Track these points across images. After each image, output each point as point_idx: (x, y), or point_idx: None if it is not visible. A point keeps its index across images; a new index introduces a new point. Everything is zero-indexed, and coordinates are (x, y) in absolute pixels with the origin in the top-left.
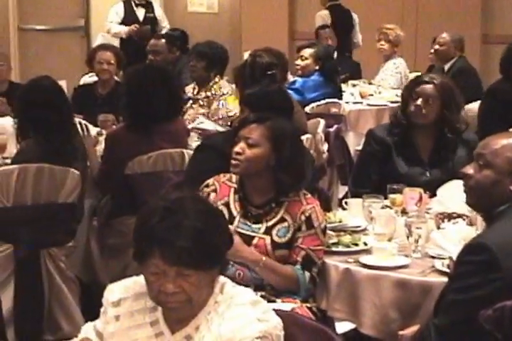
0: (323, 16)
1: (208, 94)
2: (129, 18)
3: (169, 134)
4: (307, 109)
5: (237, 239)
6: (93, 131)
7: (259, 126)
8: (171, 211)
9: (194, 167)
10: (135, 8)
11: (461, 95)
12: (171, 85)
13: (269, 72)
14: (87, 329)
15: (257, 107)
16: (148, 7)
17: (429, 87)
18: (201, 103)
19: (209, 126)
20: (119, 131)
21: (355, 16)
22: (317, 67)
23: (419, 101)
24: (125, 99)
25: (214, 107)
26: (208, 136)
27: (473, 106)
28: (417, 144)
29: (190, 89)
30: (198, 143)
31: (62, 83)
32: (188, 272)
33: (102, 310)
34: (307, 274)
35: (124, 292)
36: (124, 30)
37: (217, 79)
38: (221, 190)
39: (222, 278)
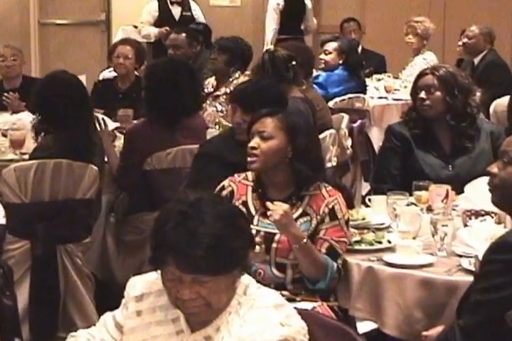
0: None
1: (228, 90)
2: (164, 18)
3: (190, 130)
4: (330, 103)
5: (288, 209)
6: (112, 126)
7: (271, 118)
8: (186, 216)
9: (193, 175)
10: (170, 7)
11: (491, 88)
12: (194, 79)
13: (290, 64)
14: (106, 318)
15: (250, 103)
16: (185, 5)
17: (428, 77)
18: (221, 100)
19: None
20: (140, 126)
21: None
22: (341, 61)
23: (422, 94)
24: (147, 93)
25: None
26: (204, 142)
27: (503, 101)
28: (437, 136)
29: (209, 84)
30: None
31: (82, 78)
32: (205, 279)
33: (123, 301)
34: (334, 264)
35: (147, 287)
36: (154, 32)
37: (237, 75)
38: (238, 190)
39: (246, 279)
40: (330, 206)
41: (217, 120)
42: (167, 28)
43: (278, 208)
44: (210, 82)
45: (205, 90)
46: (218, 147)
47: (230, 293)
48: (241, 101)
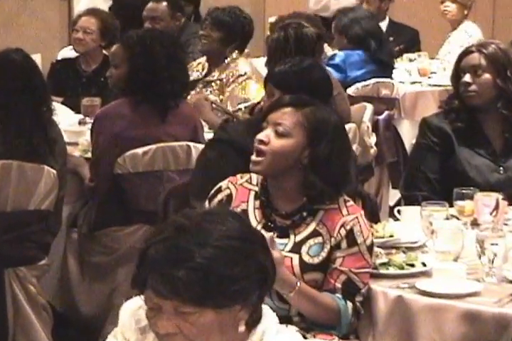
0: None
1: (223, 75)
2: None
3: (178, 116)
4: (350, 90)
5: (277, 254)
6: (75, 118)
7: (294, 110)
8: (181, 230)
9: (203, 170)
10: None
11: None
12: (180, 54)
13: (317, 46)
14: None
15: (290, 88)
16: None
17: (473, 56)
18: (214, 87)
19: None
20: (114, 108)
21: None
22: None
23: (466, 77)
24: (124, 69)
25: (229, 90)
26: (223, 127)
27: None
28: (485, 131)
29: (197, 66)
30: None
31: (37, 57)
32: (188, 309)
33: (116, 335)
34: (350, 305)
35: None
36: None
37: (235, 56)
38: (238, 196)
39: (262, 325)
40: (347, 227)
41: None
42: None
43: None
44: (200, 64)
45: (194, 74)
46: (241, 134)
47: (228, 338)
48: (281, 83)
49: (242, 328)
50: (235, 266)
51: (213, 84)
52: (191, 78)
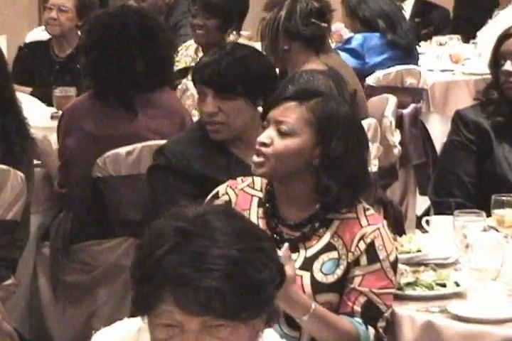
0: None
1: None
2: None
3: (161, 109)
4: (370, 80)
5: (289, 270)
6: (46, 112)
7: (298, 104)
8: (188, 234)
9: (151, 199)
10: None
11: None
12: (154, 35)
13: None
14: None
15: (224, 85)
16: None
17: None
18: None
19: None
20: (83, 102)
21: None
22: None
23: (507, 65)
24: (88, 56)
25: None
26: (159, 149)
27: None
28: None
29: (188, 50)
30: None
31: (1, 39)
32: (218, 323)
33: None
34: (371, 331)
35: None
36: None
37: (233, 37)
38: (238, 202)
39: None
40: (367, 240)
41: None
42: None
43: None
44: (191, 46)
45: (184, 60)
46: (181, 156)
47: None
48: (211, 80)
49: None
50: (263, 269)
51: None
52: (181, 65)
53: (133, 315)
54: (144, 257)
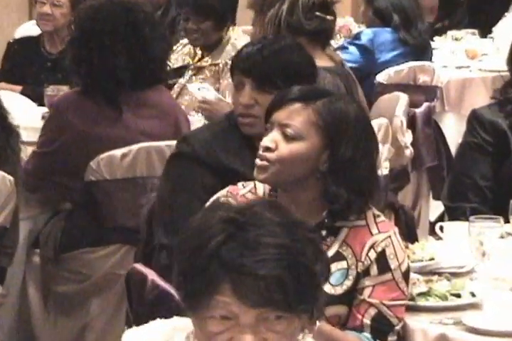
0: None
1: (219, 60)
2: None
3: (154, 109)
4: (380, 77)
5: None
6: (37, 112)
7: (304, 106)
8: (239, 224)
9: (166, 190)
10: None
11: None
12: (140, 30)
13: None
14: None
15: (264, 76)
16: None
17: None
18: (207, 74)
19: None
20: (69, 99)
21: None
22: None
23: None
24: (72, 50)
25: (227, 77)
26: (184, 137)
27: None
28: None
29: (184, 48)
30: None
31: None
32: (276, 315)
33: None
34: None
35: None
36: None
37: (230, 33)
38: None
39: None
40: (378, 249)
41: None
42: None
43: None
44: (187, 45)
45: (180, 59)
46: (207, 145)
47: None
48: (252, 69)
49: (300, 337)
50: (316, 261)
51: (206, 70)
52: (178, 63)
53: (136, 323)
54: (193, 250)
